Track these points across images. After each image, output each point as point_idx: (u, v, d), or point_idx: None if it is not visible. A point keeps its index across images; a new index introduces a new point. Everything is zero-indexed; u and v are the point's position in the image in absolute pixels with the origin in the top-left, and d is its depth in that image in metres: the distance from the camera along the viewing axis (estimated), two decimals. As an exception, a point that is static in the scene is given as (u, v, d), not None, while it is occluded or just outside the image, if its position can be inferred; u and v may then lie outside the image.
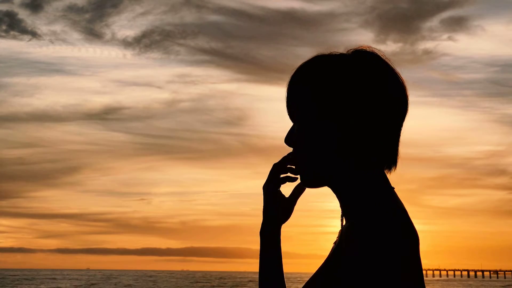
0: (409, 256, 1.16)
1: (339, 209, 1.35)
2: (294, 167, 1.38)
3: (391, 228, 1.16)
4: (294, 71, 1.33)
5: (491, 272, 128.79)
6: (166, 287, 62.89)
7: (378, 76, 1.27)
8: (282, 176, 1.43)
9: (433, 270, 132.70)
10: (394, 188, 1.28)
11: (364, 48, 1.32)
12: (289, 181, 1.44)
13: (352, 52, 1.31)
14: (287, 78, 1.34)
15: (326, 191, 1.32)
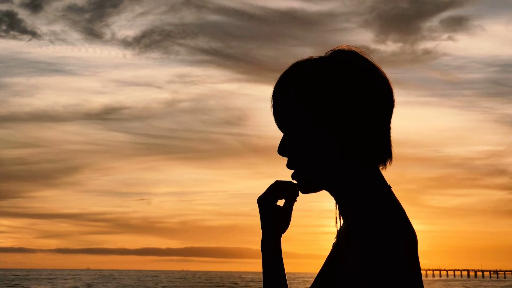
0: (407, 256, 1.16)
1: (336, 209, 1.35)
2: (296, 182, 1.37)
3: (388, 228, 1.16)
4: (276, 81, 1.32)
5: (491, 272, 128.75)
6: (167, 287, 62.89)
7: (361, 74, 1.27)
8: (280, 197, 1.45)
9: (433, 270, 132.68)
10: (391, 187, 1.28)
11: (343, 48, 1.31)
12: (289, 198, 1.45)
13: (331, 53, 1.31)
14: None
15: (325, 191, 1.32)
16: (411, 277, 1.15)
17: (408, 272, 1.14)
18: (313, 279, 1.42)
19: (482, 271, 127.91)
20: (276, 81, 1.33)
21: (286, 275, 1.44)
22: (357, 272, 1.13)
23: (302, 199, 1.45)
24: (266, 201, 1.44)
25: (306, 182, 1.32)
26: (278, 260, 1.43)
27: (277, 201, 1.44)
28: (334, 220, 1.38)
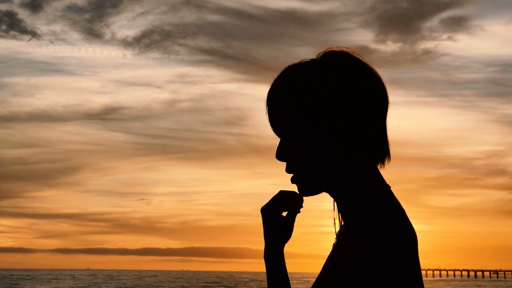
0: (407, 255, 1.16)
1: (334, 210, 1.36)
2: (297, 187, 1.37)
3: (388, 228, 1.16)
4: (270, 87, 1.33)
5: (491, 272, 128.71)
6: (167, 287, 62.89)
7: (354, 75, 1.27)
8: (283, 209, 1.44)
9: (433, 270, 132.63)
10: (390, 186, 1.28)
11: (333, 49, 1.32)
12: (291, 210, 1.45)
13: (322, 55, 1.32)
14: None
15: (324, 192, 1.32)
16: (411, 277, 1.15)
17: (408, 272, 1.15)
18: (314, 279, 1.43)
19: (482, 271, 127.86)
20: (270, 86, 1.34)
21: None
22: (357, 272, 1.13)
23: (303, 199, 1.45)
24: (269, 211, 1.44)
25: (306, 185, 1.32)
26: (282, 270, 1.43)
27: (281, 212, 1.44)
28: (333, 221, 1.39)
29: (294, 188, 1.37)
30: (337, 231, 1.39)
